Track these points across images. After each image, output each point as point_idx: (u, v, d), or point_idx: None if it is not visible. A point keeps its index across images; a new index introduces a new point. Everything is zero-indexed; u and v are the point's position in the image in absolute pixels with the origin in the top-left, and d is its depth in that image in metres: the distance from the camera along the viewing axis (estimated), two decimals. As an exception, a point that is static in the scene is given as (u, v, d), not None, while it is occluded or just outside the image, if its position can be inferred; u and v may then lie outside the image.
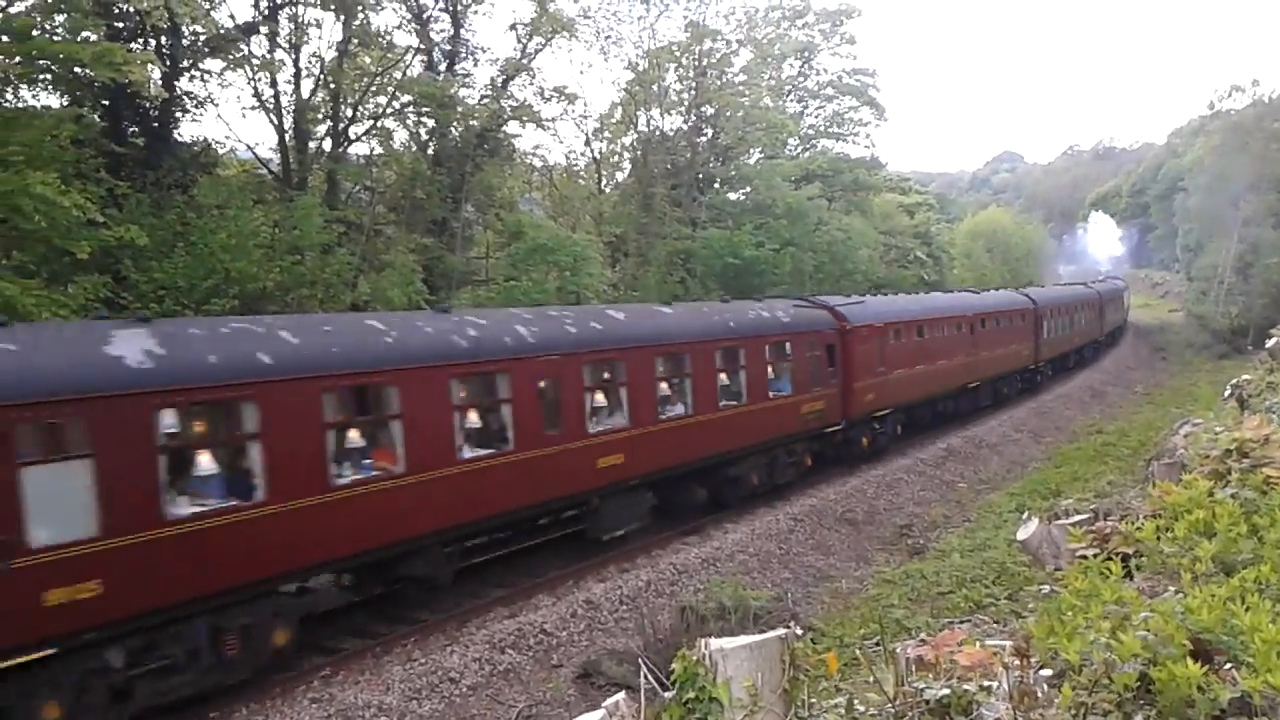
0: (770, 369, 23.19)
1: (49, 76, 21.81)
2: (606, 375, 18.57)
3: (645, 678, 4.61)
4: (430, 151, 33.21)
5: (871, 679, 4.66)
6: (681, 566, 18.74)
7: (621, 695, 4.56)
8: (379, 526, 14.13)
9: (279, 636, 13.20)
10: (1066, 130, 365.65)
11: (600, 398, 18.41)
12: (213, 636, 12.37)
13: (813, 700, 4.51)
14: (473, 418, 15.99)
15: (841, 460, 26.88)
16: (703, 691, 4.29)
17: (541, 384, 16.92)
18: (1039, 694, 4.15)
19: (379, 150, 32.92)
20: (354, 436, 14.18)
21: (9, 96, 21.58)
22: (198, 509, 12.04)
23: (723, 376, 21.55)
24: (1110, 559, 6.46)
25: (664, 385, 20.11)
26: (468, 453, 15.59)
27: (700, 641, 4.56)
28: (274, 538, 12.73)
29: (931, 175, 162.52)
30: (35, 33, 19.82)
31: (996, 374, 37.73)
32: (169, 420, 11.79)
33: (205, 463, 12.31)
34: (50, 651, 10.55)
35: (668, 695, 4.48)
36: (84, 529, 10.81)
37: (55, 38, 20.31)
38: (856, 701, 4.53)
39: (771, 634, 4.62)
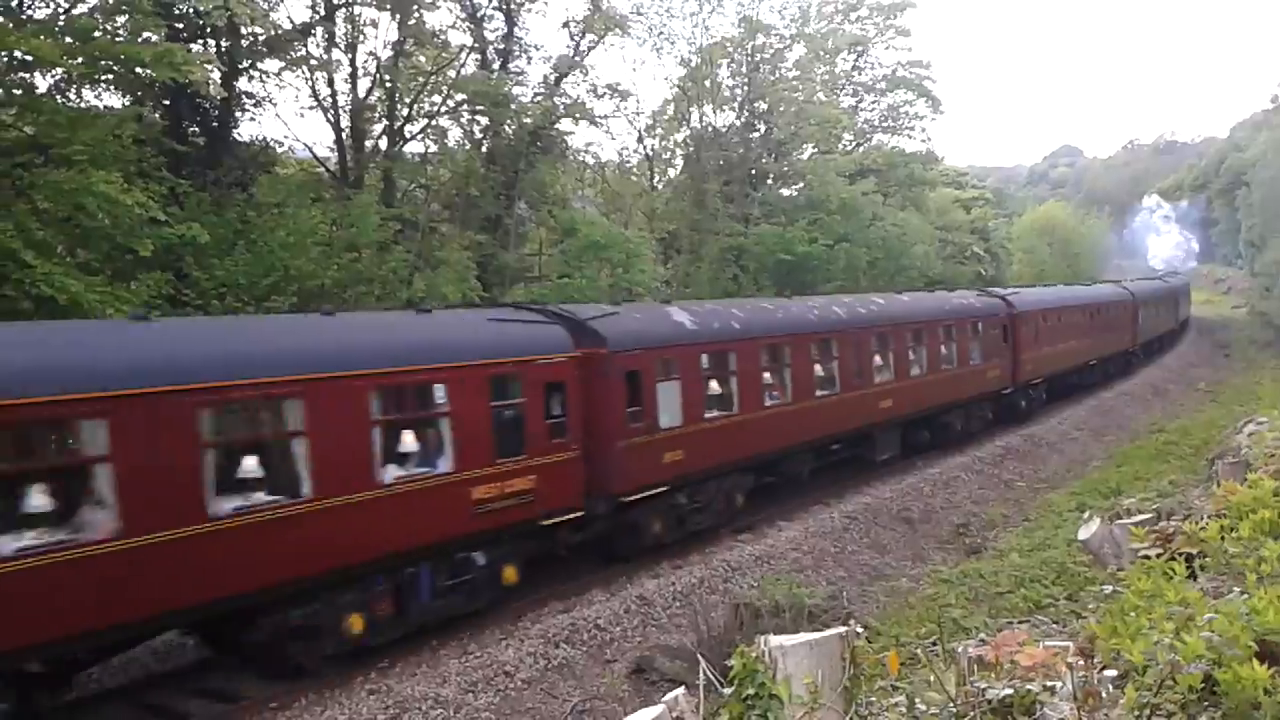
0: (970, 343, 30.42)
1: (111, 77, 22.14)
2: (881, 343, 26.00)
3: (704, 673, 4.61)
4: (484, 149, 33.43)
5: (932, 678, 4.62)
6: (735, 564, 18.71)
7: (681, 691, 4.56)
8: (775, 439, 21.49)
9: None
10: (1127, 123, 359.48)
11: (878, 359, 25.84)
12: None
13: (872, 699, 4.48)
14: (819, 370, 23.37)
15: (1005, 419, 33.15)
16: (762, 688, 4.27)
17: (852, 347, 24.52)
18: (1103, 694, 4.09)
19: (434, 148, 33.23)
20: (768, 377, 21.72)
21: (73, 97, 22.01)
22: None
23: (943, 348, 28.93)
24: (1174, 559, 6.35)
25: (910, 352, 27.35)
26: (819, 393, 23.11)
27: (760, 638, 4.55)
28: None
29: (989, 170, 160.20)
30: (97, 34, 20.16)
31: (1107, 354, 44.41)
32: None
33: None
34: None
35: (726, 692, 4.47)
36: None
37: (117, 39, 20.65)
38: (918, 701, 4.50)
39: (832, 632, 4.59)
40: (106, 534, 10.55)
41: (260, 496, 12.12)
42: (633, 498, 17.59)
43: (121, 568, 10.61)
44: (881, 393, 25.47)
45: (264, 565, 12.06)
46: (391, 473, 13.66)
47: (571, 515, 16.52)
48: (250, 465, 12.00)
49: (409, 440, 14.00)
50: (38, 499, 10.23)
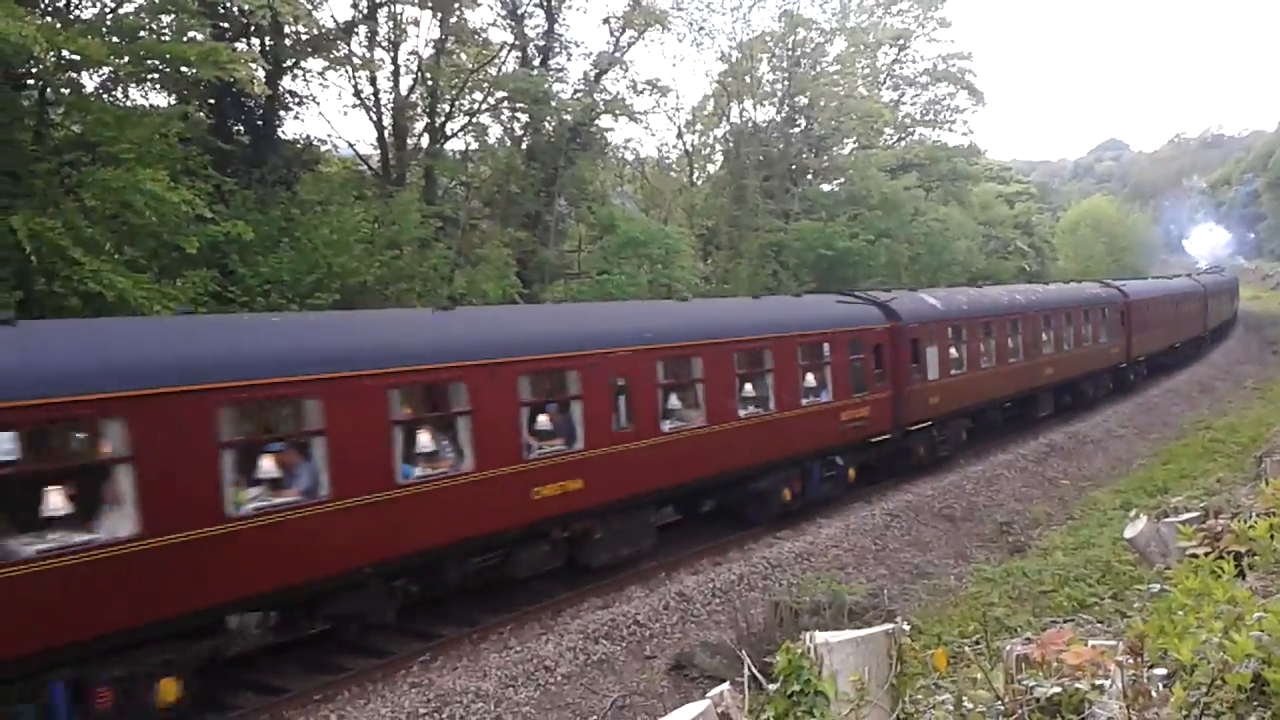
0: (1100, 325, 36.40)
1: (157, 76, 22.42)
2: (1046, 324, 31.97)
3: (748, 669, 4.60)
4: (524, 146, 33.57)
5: (979, 675, 4.59)
6: (775, 560, 18.65)
7: (726, 686, 4.55)
8: (987, 392, 28.45)
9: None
10: (1173, 116, 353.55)
11: (1044, 335, 31.70)
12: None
13: (919, 696, 4.45)
14: (1010, 342, 29.57)
15: (1118, 391, 38.69)
16: (808, 684, 4.25)
17: (1030, 325, 30.76)
18: (1153, 694, 4.04)
19: (474, 146, 33.41)
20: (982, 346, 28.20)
21: (120, 95, 22.32)
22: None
23: (1082, 328, 34.77)
24: (1222, 558, 6.24)
25: (1063, 331, 33.27)
26: (1010, 360, 29.48)
27: (805, 634, 4.53)
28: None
29: (1033, 164, 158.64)
30: (143, 33, 20.42)
31: (1185, 339, 49.58)
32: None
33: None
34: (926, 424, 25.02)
35: (771, 688, 4.46)
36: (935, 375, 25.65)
37: (163, 38, 20.89)
38: (965, 699, 4.46)
39: (879, 628, 4.57)
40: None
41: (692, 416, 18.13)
42: (913, 428, 24.47)
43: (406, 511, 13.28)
44: (1046, 362, 31.88)
45: (751, 451, 19.26)
46: (802, 400, 20.82)
47: (883, 436, 23.46)
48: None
49: (811, 379, 21.32)
50: (266, 465, 12.04)
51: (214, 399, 11.23)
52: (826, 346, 21.68)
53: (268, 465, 12.00)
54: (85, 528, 10.45)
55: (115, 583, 10.33)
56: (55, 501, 10.12)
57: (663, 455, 17.12)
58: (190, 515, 10.95)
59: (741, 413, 19.00)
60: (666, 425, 17.46)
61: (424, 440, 13.63)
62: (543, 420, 15.45)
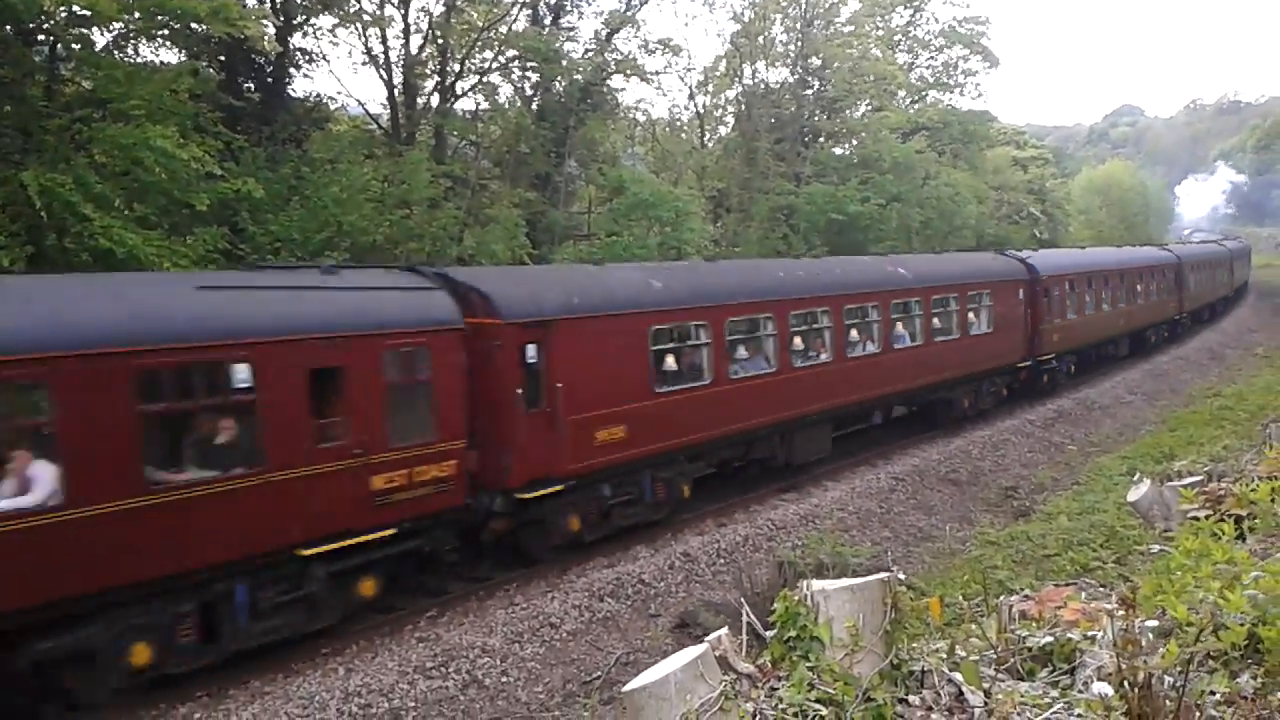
0: (1161, 283, 42.48)
1: (167, 32, 22.34)
2: (1132, 279, 38.47)
3: (746, 615, 4.68)
4: (534, 106, 33.41)
5: (973, 626, 4.66)
6: (779, 522, 18.76)
7: (724, 630, 4.64)
8: (1106, 331, 36.61)
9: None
10: (1189, 82, 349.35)
11: (1126, 291, 37.47)
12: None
13: (914, 645, 4.52)
14: (1118, 292, 37.01)
15: (1171, 339, 44.89)
16: (804, 630, 4.33)
17: (1120, 281, 36.95)
18: (1143, 643, 4.10)
19: (484, 105, 33.26)
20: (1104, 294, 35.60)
21: (130, 52, 22.26)
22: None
23: (1149, 286, 40.60)
24: (1223, 520, 6.30)
25: (1134, 288, 38.77)
26: (1119, 305, 36.99)
27: (802, 582, 4.60)
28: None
29: (1047, 129, 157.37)
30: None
31: (1220, 296, 57.34)
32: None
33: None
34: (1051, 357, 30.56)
35: (769, 635, 4.53)
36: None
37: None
38: (958, 647, 4.53)
39: (873, 577, 4.64)
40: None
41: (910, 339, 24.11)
42: (1043, 358, 30.31)
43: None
44: (1125, 312, 37.78)
45: (946, 368, 25.43)
46: (973, 332, 26.68)
47: (1025, 364, 29.53)
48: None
49: (982, 317, 27.29)
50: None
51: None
52: (989, 292, 27.36)
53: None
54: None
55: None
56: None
57: (896, 367, 23.30)
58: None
59: (937, 339, 24.90)
60: (896, 345, 23.49)
61: (741, 352, 19.11)
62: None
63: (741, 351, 19.23)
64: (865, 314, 22.47)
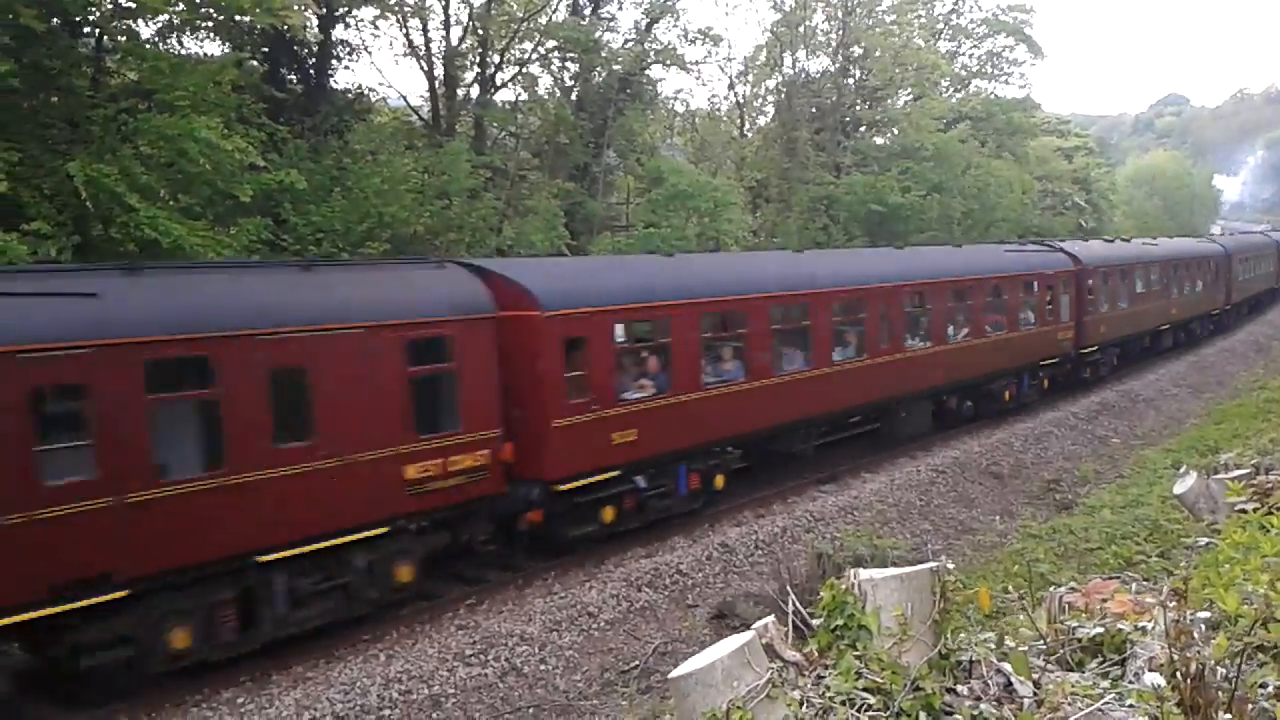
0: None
1: (211, 24, 22.55)
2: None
3: (792, 603, 4.66)
4: (574, 97, 33.40)
5: (1022, 617, 4.61)
6: (818, 514, 18.68)
7: (771, 618, 4.62)
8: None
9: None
10: (1236, 72, 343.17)
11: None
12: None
13: (962, 634, 4.48)
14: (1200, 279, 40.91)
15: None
16: (851, 619, 4.31)
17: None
18: (1195, 634, 4.04)
19: (524, 96, 33.30)
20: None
21: (175, 43, 22.46)
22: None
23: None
24: (1271, 513, 6.20)
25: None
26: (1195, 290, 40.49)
27: (850, 571, 4.58)
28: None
29: (1092, 118, 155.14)
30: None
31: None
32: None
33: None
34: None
35: (816, 622, 4.51)
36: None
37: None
38: (1008, 638, 4.49)
39: (923, 566, 4.59)
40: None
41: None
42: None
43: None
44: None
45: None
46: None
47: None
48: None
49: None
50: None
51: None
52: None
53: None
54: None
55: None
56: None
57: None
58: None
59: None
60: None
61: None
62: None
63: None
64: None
